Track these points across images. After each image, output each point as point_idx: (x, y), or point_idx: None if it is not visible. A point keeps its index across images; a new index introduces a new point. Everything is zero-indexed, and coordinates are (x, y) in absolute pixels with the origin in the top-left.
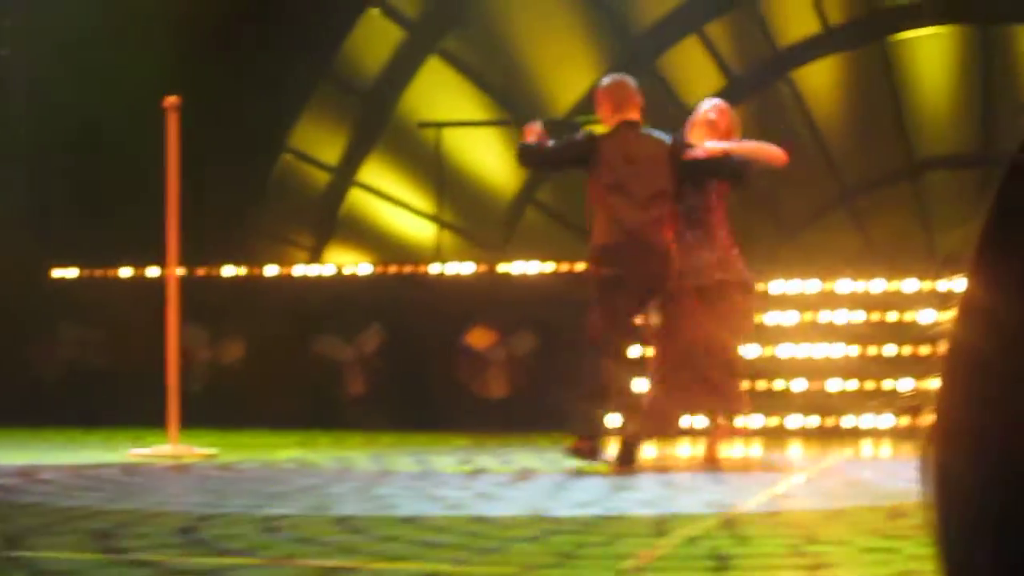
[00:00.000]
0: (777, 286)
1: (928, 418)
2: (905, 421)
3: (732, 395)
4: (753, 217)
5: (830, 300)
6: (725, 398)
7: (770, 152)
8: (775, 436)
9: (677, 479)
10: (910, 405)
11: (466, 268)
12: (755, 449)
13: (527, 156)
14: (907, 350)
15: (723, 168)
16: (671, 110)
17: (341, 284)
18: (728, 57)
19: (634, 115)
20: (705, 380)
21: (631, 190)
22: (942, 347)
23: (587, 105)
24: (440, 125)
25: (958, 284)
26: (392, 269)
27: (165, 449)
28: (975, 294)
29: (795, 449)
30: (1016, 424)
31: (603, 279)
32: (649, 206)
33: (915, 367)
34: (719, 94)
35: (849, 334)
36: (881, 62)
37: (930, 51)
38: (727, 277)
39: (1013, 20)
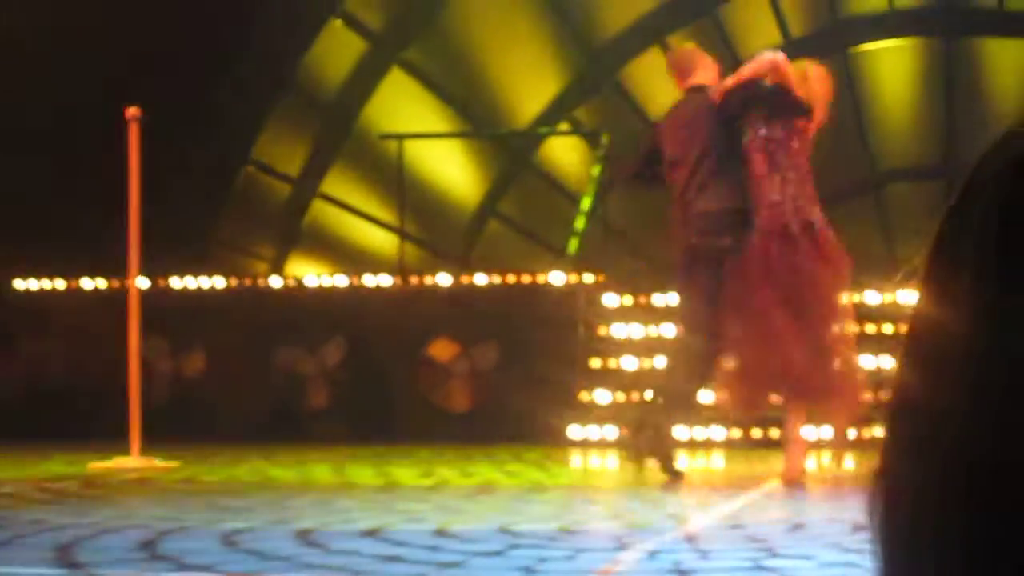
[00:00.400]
0: None
1: (880, 431)
2: (864, 432)
3: (821, 385)
4: None
5: None
6: (811, 388)
7: (760, 62)
8: (737, 448)
9: (640, 492)
10: (868, 416)
11: (428, 279)
12: (717, 461)
13: (617, 179)
14: (868, 361)
15: (751, 98)
16: (633, 120)
17: (303, 296)
18: None
19: (700, 79)
20: (789, 363)
21: (684, 159)
22: (896, 361)
23: (550, 116)
24: (402, 137)
25: (915, 297)
26: (355, 281)
27: (126, 462)
28: (926, 308)
29: (757, 462)
30: (966, 434)
31: (675, 264)
32: (697, 171)
33: (875, 378)
34: None
35: None
36: (843, 74)
37: (892, 63)
38: (798, 219)
39: (975, 32)
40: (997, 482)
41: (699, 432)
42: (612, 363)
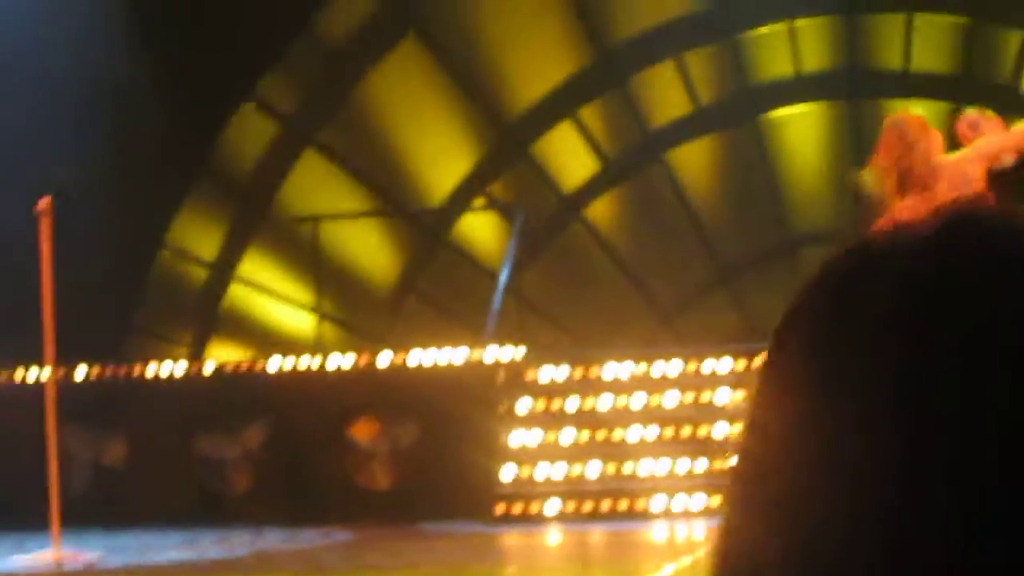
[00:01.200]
0: (657, 368)
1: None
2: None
3: None
4: (628, 301)
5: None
6: None
7: None
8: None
9: (568, 570)
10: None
11: (348, 359)
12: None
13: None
14: None
15: None
16: (547, 194)
17: (223, 380)
18: (602, 140)
19: None
20: None
21: None
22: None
23: (464, 192)
24: (318, 218)
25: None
26: (275, 363)
27: (47, 554)
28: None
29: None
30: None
31: None
32: None
33: None
34: (595, 178)
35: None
36: (754, 140)
37: (802, 128)
38: None
39: (881, 95)
40: None
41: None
42: (534, 437)
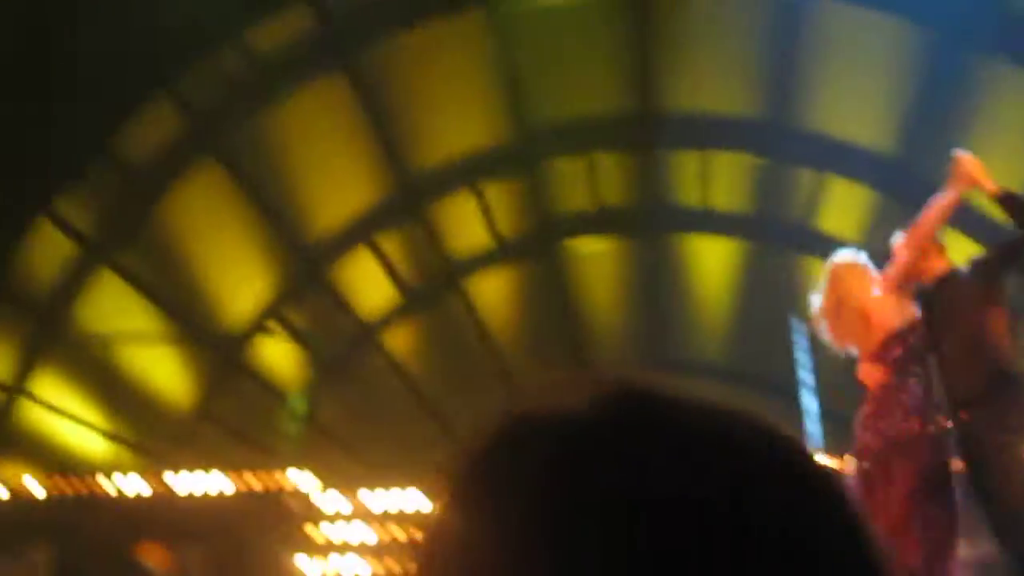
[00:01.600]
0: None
1: None
2: None
3: None
4: (420, 427)
5: None
6: None
7: None
8: None
9: None
10: None
11: (139, 482)
12: None
13: None
14: None
15: None
16: (344, 320)
17: (10, 501)
18: (401, 268)
19: None
20: None
21: None
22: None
23: (263, 316)
24: (112, 340)
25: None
26: (64, 485)
27: None
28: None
29: None
30: None
31: None
32: None
33: None
34: (393, 305)
35: None
36: (553, 271)
37: (600, 260)
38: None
39: (678, 230)
40: None
41: None
42: (319, 566)
